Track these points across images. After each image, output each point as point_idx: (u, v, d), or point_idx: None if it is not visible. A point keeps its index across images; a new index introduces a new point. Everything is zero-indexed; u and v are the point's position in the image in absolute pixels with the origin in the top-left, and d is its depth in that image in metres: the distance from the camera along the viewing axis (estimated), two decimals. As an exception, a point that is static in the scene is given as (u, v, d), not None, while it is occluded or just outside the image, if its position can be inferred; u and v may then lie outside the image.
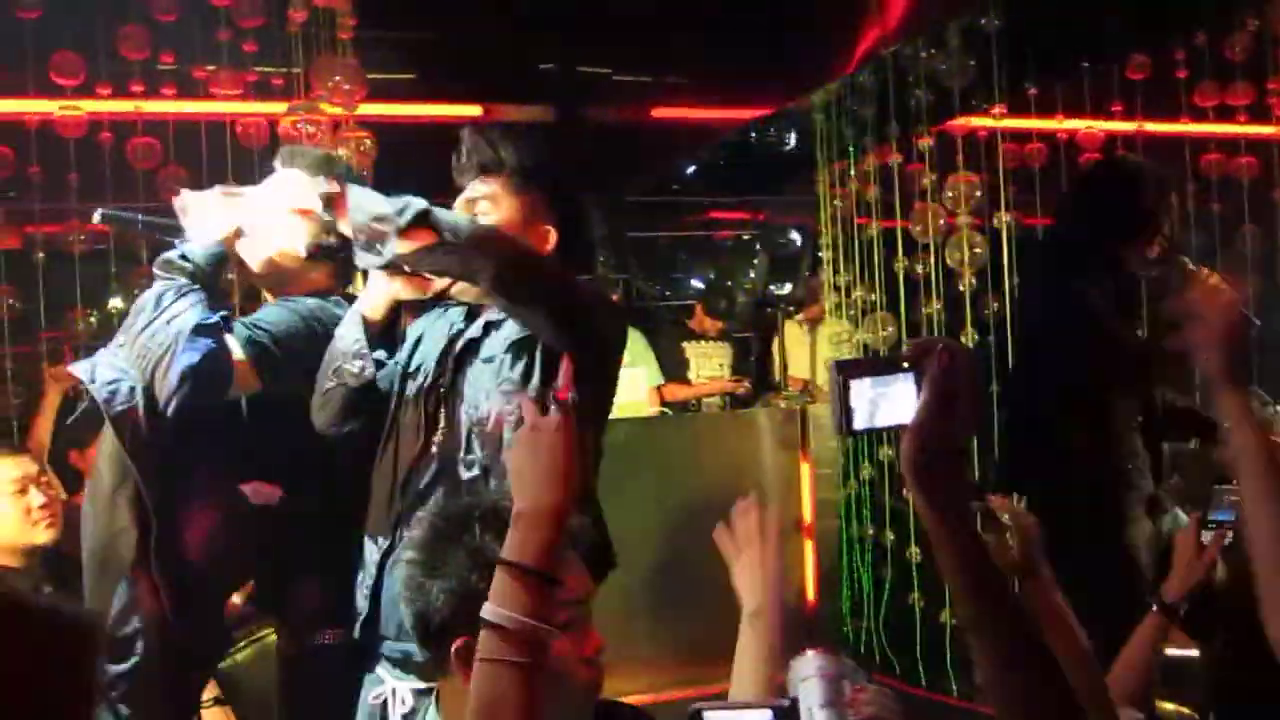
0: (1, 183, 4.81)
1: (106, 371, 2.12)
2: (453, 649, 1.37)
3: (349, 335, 2.11)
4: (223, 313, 2.12)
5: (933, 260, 4.38)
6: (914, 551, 4.52)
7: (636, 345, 5.60)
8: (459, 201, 2.11)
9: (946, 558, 1.08)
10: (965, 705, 4.33)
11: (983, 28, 4.23)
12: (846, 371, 1.11)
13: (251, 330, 2.14)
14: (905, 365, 1.10)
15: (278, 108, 4.32)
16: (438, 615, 1.38)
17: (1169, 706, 2.49)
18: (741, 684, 1.66)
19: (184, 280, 2.08)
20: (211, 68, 4.75)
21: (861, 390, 1.10)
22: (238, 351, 2.08)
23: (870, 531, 4.95)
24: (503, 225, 2.06)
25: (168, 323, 2.03)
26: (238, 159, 4.76)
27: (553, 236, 2.12)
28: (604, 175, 6.27)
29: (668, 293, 7.24)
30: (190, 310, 2.03)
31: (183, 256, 2.13)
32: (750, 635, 1.69)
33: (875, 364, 1.12)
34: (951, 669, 4.41)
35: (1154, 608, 2.07)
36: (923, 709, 4.49)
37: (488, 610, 1.26)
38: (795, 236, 5.21)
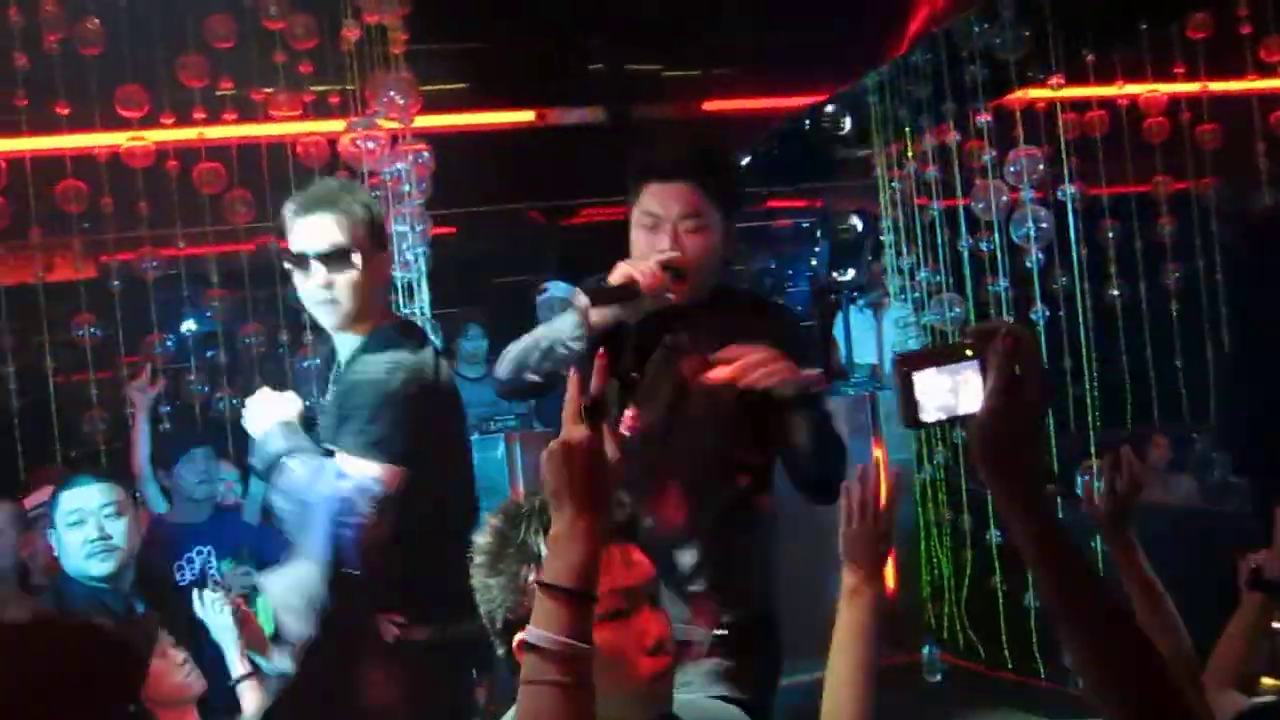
0: (76, 215, 4.95)
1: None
2: (515, 642, 1.37)
3: (569, 321, 2.15)
4: None
5: (997, 237, 4.32)
6: (993, 534, 4.46)
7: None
8: (653, 209, 2.15)
9: (1027, 545, 1.06)
10: (1053, 686, 4.26)
11: (1036, -2, 4.16)
12: (910, 363, 1.10)
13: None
14: (968, 353, 1.08)
15: (336, 126, 4.40)
16: (501, 612, 1.42)
17: (1270, 682, 2.44)
18: (839, 664, 1.64)
19: None
20: (269, 90, 4.86)
21: (925, 381, 1.09)
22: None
23: (948, 515, 4.90)
24: (714, 233, 2.15)
25: None
26: (300, 178, 4.87)
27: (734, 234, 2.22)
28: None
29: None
30: None
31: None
32: (848, 613, 1.66)
33: (937, 354, 1.11)
34: (1038, 651, 4.34)
35: (1251, 586, 2.02)
36: (1011, 692, 4.44)
37: (528, 633, 1.26)
38: (856, 222, 5.16)
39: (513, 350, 2.25)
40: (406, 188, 3.59)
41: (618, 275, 2.09)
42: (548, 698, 1.23)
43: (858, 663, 1.63)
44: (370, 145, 3.49)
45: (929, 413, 1.10)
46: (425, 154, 3.65)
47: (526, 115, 5.71)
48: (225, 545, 3.62)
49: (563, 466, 1.26)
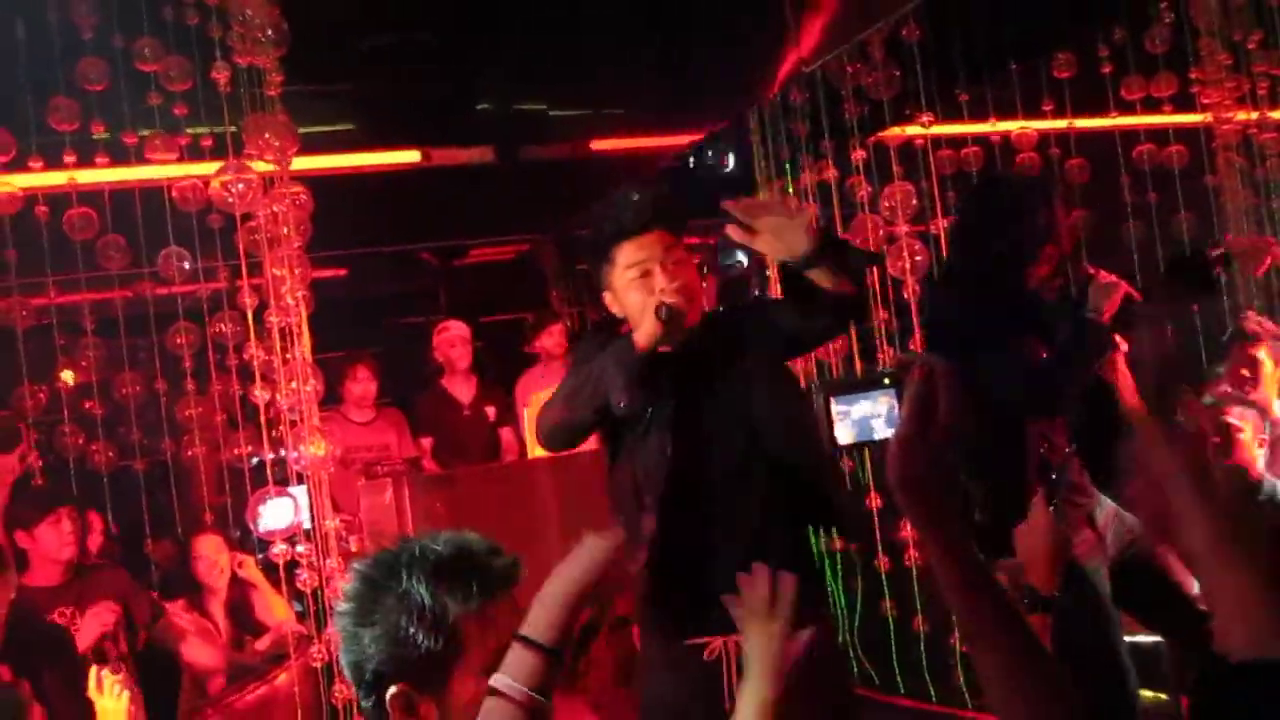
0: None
1: None
2: (387, 697, 1.36)
3: (624, 366, 2.25)
4: None
5: (876, 270, 4.42)
6: (882, 561, 4.53)
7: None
8: (638, 259, 2.33)
9: (942, 572, 1.07)
10: (946, 710, 4.33)
11: (904, 38, 4.29)
12: (830, 389, 1.16)
13: None
14: (886, 382, 1.12)
15: (211, 168, 4.31)
16: (370, 664, 1.37)
17: (1147, 694, 2.51)
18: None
19: None
20: (144, 133, 4.74)
21: (844, 407, 1.14)
22: None
23: (838, 544, 4.95)
24: (685, 257, 2.36)
25: None
26: (177, 222, 4.75)
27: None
28: (550, 211, 6.29)
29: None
30: None
31: None
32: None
33: (857, 382, 1.16)
34: (929, 676, 4.41)
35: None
36: (906, 717, 4.50)
37: (497, 680, 1.31)
38: (741, 258, 5.24)
39: (554, 402, 2.40)
40: (285, 230, 3.52)
41: (648, 322, 2.23)
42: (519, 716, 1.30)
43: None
44: (239, 188, 3.42)
45: (846, 436, 1.13)
46: (302, 195, 3.59)
47: (413, 155, 5.66)
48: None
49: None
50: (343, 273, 6.75)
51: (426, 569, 1.37)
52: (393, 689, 1.36)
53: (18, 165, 4.73)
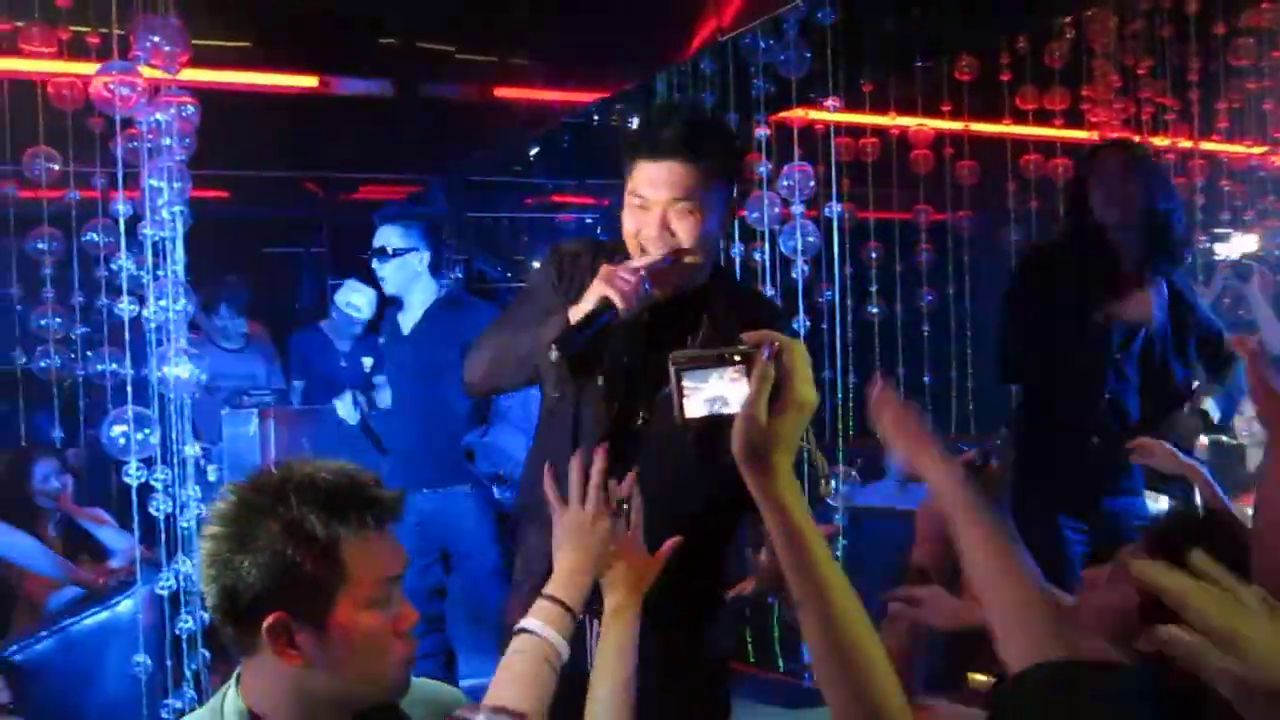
0: None
1: None
2: (265, 625, 1.33)
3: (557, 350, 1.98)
4: None
5: (768, 248, 4.47)
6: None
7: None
8: (642, 190, 2.02)
9: (778, 541, 1.11)
10: (789, 679, 4.46)
11: (820, 22, 4.33)
12: (680, 364, 1.16)
13: None
14: (736, 358, 1.14)
15: (93, 68, 4.08)
16: (248, 591, 1.33)
17: (980, 677, 2.60)
18: (604, 686, 1.65)
19: None
20: (20, 23, 4.47)
21: (694, 380, 1.15)
22: None
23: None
24: (709, 213, 2.01)
25: None
26: (50, 121, 4.50)
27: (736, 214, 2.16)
28: (445, 154, 6.17)
29: (509, 274, 7.19)
30: None
31: None
32: (613, 632, 1.69)
33: (708, 357, 1.17)
34: (779, 646, 4.53)
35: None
36: (750, 684, 4.61)
37: (531, 623, 1.61)
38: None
39: (484, 353, 2.15)
40: (167, 140, 3.35)
41: (592, 297, 1.97)
42: (532, 666, 1.58)
43: (625, 681, 1.64)
44: (125, 91, 3.24)
45: (694, 410, 1.16)
46: (190, 108, 3.42)
47: (310, 80, 5.47)
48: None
49: (584, 530, 1.70)
50: (225, 194, 6.50)
51: (317, 496, 1.34)
52: (270, 618, 1.33)
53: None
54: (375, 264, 4.02)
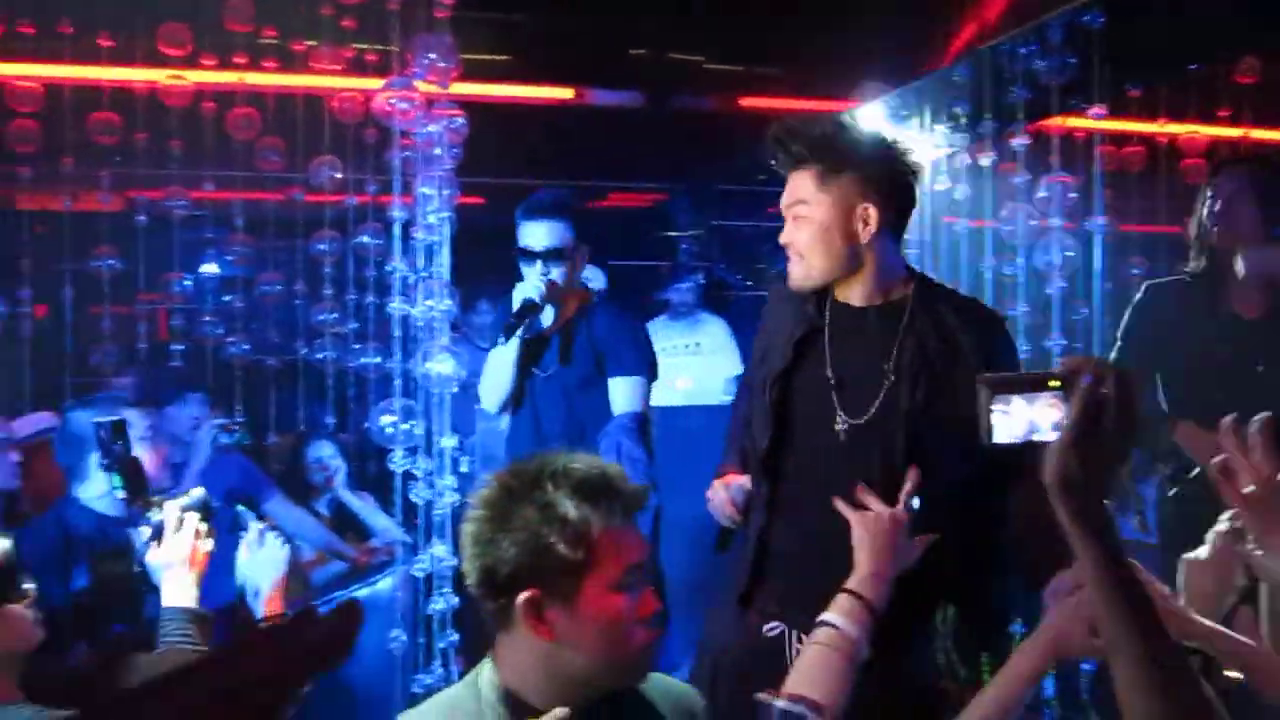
0: (109, 149, 4.97)
1: None
2: (519, 600, 1.44)
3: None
4: None
5: (1021, 262, 4.29)
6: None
7: (719, 334, 5.62)
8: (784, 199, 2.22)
9: (1092, 573, 1.08)
10: None
11: (1085, 25, 4.12)
12: (993, 386, 1.14)
13: None
14: (1052, 383, 1.11)
15: (373, 83, 4.40)
16: (505, 567, 1.45)
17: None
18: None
19: None
20: (311, 43, 4.87)
21: (1005, 405, 1.13)
22: None
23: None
24: (821, 218, 2.16)
25: None
26: (335, 132, 4.89)
27: (874, 215, 2.15)
28: (692, 163, 6.27)
29: (749, 283, 7.22)
30: None
31: None
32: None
33: (1023, 380, 1.15)
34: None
35: None
36: None
37: (833, 618, 1.66)
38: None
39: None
40: (437, 150, 3.58)
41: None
42: (831, 659, 1.62)
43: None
44: (404, 105, 3.48)
45: (1002, 435, 1.13)
46: (459, 119, 3.64)
47: (565, 92, 5.69)
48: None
49: (890, 535, 1.81)
50: (481, 201, 6.84)
51: (571, 484, 1.46)
52: (525, 594, 1.44)
53: (190, 61, 4.90)
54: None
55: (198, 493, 2.35)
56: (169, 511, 2.27)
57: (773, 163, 2.22)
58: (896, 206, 2.19)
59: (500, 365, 3.26)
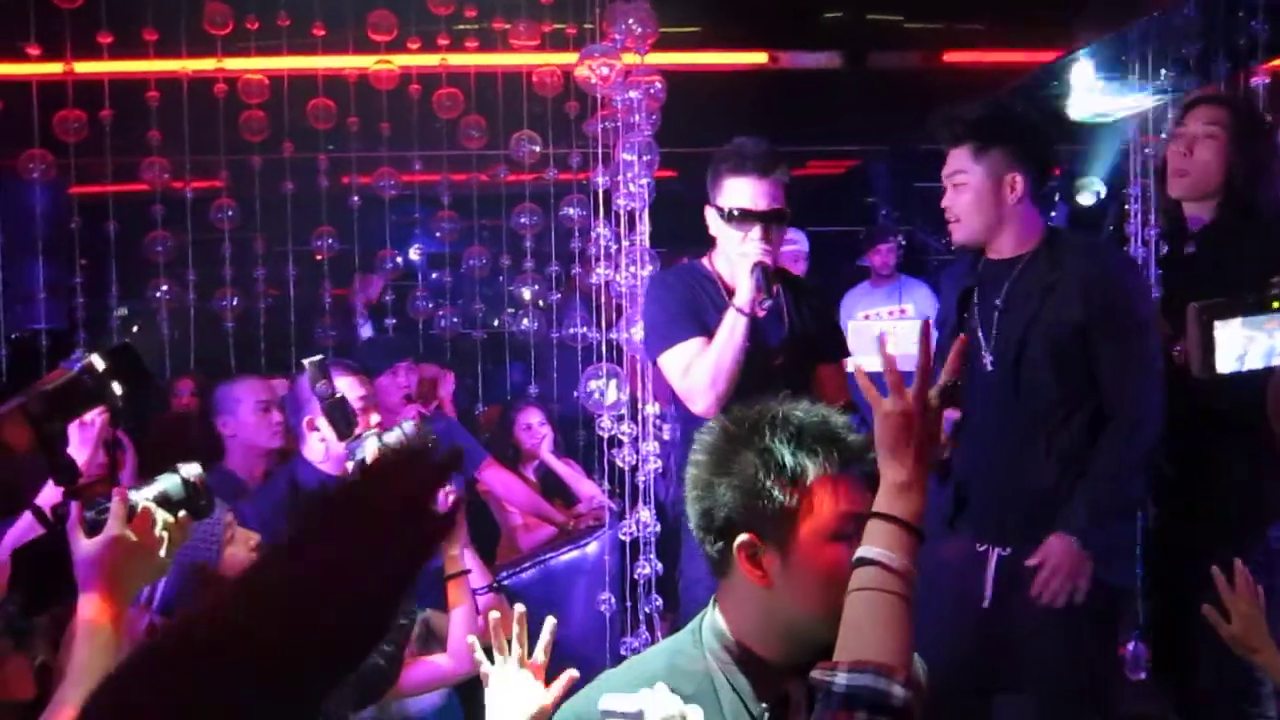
0: (323, 132, 5.22)
1: None
2: (735, 544, 1.45)
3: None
4: None
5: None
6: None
7: (923, 300, 5.47)
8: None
9: None
10: None
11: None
12: (1210, 312, 1.08)
13: None
14: (1276, 305, 1.01)
15: (570, 58, 4.46)
16: (722, 511, 1.46)
17: None
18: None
19: None
20: (510, 22, 4.98)
21: (1227, 331, 1.06)
22: None
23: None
24: (976, 185, 2.54)
25: None
26: (533, 107, 4.99)
27: (1020, 182, 2.53)
28: (892, 124, 6.08)
29: (949, 244, 6.97)
30: None
31: None
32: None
33: (1240, 304, 1.06)
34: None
35: None
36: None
37: (875, 552, 1.35)
38: (1099, 188, 4.86)
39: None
40: (636, 118, 3.59)
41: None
42: (886, 605, 1.34)
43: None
44: (604, 71, 3.50)
45: (1227, 363, 1.06)
46: (658, 85, 3.64)
47: (759, 58, 5.62)
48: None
49: (904, 431, 1.39)
50: (673, 174, 6.85)
51: (789, 432, 1.46)
52: (742, 536, 1.45)
53: (396, 46, 5.10)
54: None
55: (408, 425, 2.42)
56: (369, 443, 2.36)
57: (938, 141, 2.61)
58: (1039, 173, 2.60)
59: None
